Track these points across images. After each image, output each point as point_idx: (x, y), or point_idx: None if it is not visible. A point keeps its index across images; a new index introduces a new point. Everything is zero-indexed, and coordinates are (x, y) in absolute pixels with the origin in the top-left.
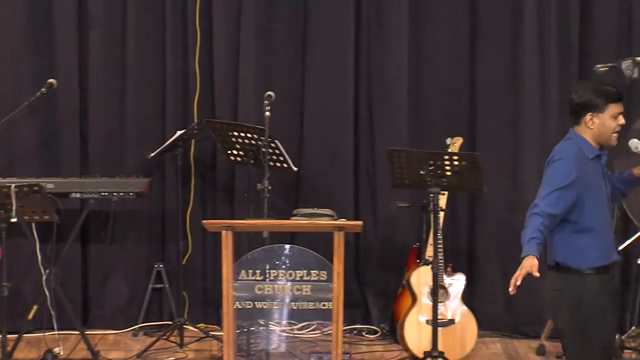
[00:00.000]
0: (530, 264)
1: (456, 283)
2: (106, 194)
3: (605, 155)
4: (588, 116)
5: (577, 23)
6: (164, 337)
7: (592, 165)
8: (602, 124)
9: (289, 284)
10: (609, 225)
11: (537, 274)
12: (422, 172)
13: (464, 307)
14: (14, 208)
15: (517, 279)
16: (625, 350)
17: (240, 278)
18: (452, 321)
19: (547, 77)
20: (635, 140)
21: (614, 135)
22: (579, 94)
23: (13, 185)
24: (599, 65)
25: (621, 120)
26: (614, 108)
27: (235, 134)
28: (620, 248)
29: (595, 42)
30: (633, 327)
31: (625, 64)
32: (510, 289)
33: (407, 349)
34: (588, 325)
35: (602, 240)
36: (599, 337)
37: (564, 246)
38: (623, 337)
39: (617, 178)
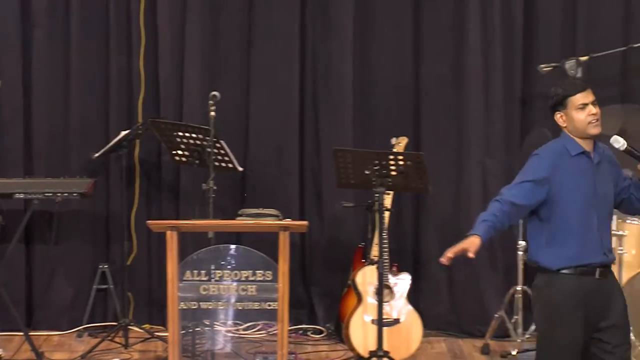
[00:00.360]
0: (470, 242)
1: (401, 283)
2: (50, 194)
3: (601, 155)
4: (557, 116)
5: (521, 22)
6: (109, 338)
7: (575, 162)
8: (570, 118)
9: (235, 284)
10: (591, 225)
11: (472, 255)
12: (367, 172)
13: (409, 307)
14: None
15: (452, 251)
16: None
17: (185, 278)
18: (397, 321)
19: (491, 77)
20: (616, 136)
21: (590, 124)
22: (550, 97)
23: None
24: (542, 65)
25: (591, 109)
26: (575, 100)
27: (180, 134)
28: None
29: (539, 42)
30: None
31: (569, 64)
32: (442, 259)
33: (352, 349)
34: (552, 326)
35: (576, 240)
36: (563, 339)
37: (535, 244)
38: None
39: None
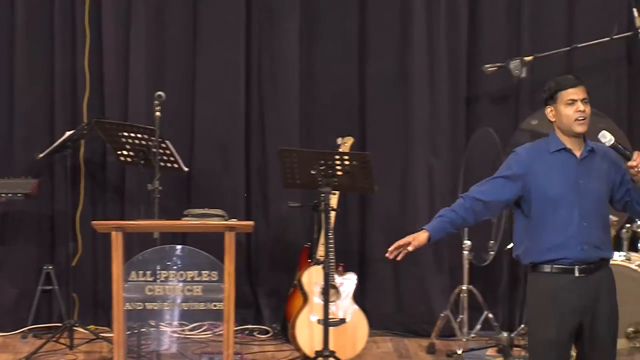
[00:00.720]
0: (414, 236)
1: (347, 282)
2: None
3: (593, 152)
4: (547, 110)
5: (466, 23)
6: (54, 339)
7: (554, 158)
8: (558, 113)
9: (180, 284)
10: (571, 221)
11: (411, 248)
12: (313, 172)
13: (355, 307)
14: None
15: (395, 244)
16: (515, 348)
17: (130, 279)
18: (343, 320)
19: (437, 77)
20: (604, 131)
21: (576, 121)
22: (543, 91)
23: None
24: (487, 65)
25: (579, 106)
26: (565, 95)
27: (125, 134)
28: (508, 246)
29: (484, 42)
30: (522, 325)
31: (514, 64)
32: (387, 254)
33: (298, 349)
34: (532, 321)
35: (553, 235)
36: (539, 335)
37: (517, 239)
38: (512, 334)
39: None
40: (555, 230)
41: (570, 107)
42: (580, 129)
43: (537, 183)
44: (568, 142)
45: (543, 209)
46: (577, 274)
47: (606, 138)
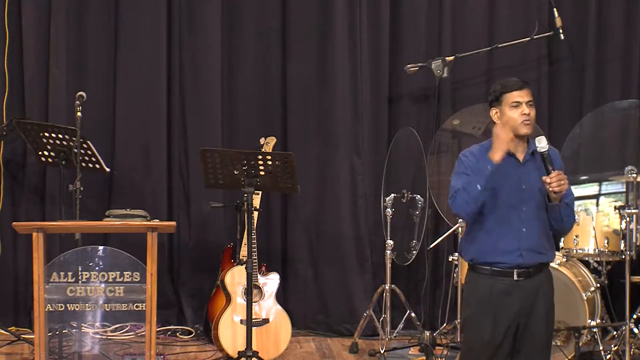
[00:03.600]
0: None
1: (270, 282)
2: None
3: (529, 155)
4: (492, 112)
5: (387, 23)
6: None
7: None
8: (502, 115)
9: (102, 285)
10: (510, 226)
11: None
12: (236, 172)
13: (278, 307)
14: None
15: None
16: (437, 347)
17: (52, 280)
18: (266, 320)
19: (358, 76)
20: (542, 137)
21: (522, 123)
22: (489, 94)
23: None
24: (409, 65)
25: (524, 109)
26: (510, 97)
27: (46, 134)
28: (431, 246)
29: (406, 42)
30: (444, 324)
31: (435, 64)
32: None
33: (221, 349)
34: (468, 320)
35: (491, 238)
36: (474, 335)
37: (463, 237)
38: (435, 333)
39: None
40: (496, 235)
41: (515, 110)
42: (525, 130)
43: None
44: (511, 145)
45: (485, 212)
46: (515, 278)
47: (541, 144)
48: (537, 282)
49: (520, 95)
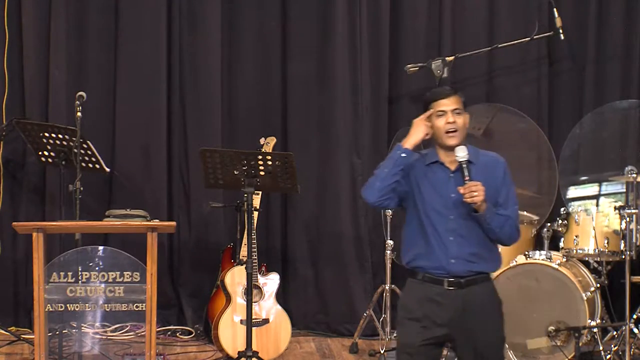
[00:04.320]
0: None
1: (270, 282)
2: None
3: (462, 158)
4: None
5: (387, 23)
6: None
7: (428, 170)
8: (432, 124)
9: (102, 285)
10: (440, 234)
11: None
12: (236, 172)
13: (278, 307)
14: None
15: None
16: None
17: (52, 280)
18: (266, 321)
19: (359, 77)
20: (462, 147)
21: (446, 134)
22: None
23: None
24: (409, 65)
25: (449, 117)
26: (436, 106)
27: (46, 134)
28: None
29: (406, 42)
30: None
31: (435, 64)
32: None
33: (221, 349)
34: (398, 323)
35: (422, 246)
36: (401, 339)
37: (401, 242)
38: None
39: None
40: (427, 240)
41: (440, 119)
42: (451, 141)
43: (414, 193)
44: (443, 154)
45: (414, 219)
46: (446, 286)
47: (459, 154)
48: (470, 294)
49: (447, 104)
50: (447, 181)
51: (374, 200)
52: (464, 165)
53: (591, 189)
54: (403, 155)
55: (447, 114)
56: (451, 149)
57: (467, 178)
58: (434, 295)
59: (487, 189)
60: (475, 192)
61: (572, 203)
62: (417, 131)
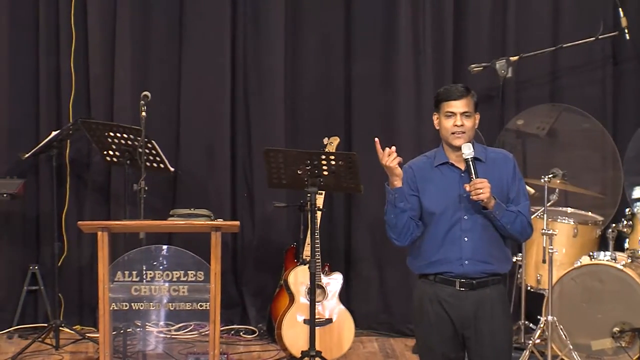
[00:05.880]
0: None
1: (333, 282)
2: None
3: (468, 155)
4: (434, 117)
5: (451, 22)
6: (39, 339)
7: (438, 173)
8: (439, 123)
9: (166, 284)
10: (454, 237)
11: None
12: (299, 172)
13: (341, 307)
14: None
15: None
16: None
17: (116, 279)
18: (329, 320)
19: (422, 77)
20: (468, 144)
21: (452, 135)
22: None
23: None
24: (473, 65)
25: (457, 120)
26: (445, 106)
27: (111, 134)
28: None
29: (470, 42)
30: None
31: (499, 64)
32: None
33: (284, 349)
34: (415, 324)
35: (436, 249)
36: (421, 340)
37: (410, 248)
38: None
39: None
40: (437, 246)
41: (449, 120)
42: (456, 142)
43: (426, 198)
44: (452, 155)
45: (430, 223)
46: (458, 287)
47: (465, 151)
48: (482, 296)
49: (457, 106)
50: (459, 181)
51: (407, 243)
52: (470, 163)
53: None
54: (397, 195)
55: (456, 117)
56: (458, 148)
57: (472, 176)
58: (445, 296)
59: (496, 185)
60: (480, 189)
61: (637, 203)
62: (391, 172)
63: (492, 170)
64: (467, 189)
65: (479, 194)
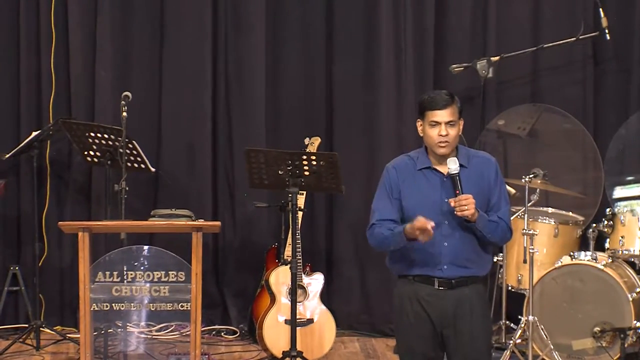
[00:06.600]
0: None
1: (315, 282)
2: None
3: (454, 170)
4: (418, 123)
5: (432, 23)
6: (20, 340)
7: (420, 176)
8: (423, 131)
9: (147, 285)
10: (434, 242)
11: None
12: (280, 172)
13: (323, 307)
14: None
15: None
16: None
17: (97, 280)
18: (310, 321)
19: (403, 77)
20: (454, 159)
21: (437, 144)
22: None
23: None
24: (454, 66)
25: (441, 130)
26: (430, 115)
27: (92, 134)
28: None
29: (451, 42)
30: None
31: (480, 64)
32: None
33: (266, 349)
34: (395, 324)
35: (415, 252)
36: (398, 343)
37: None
38: None
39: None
40: (416, 250)
41: (434, 129)
42: (441, 151)
43: (407, 200)
44: (435, 159)
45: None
46: (436, 286)
47: (451, 166)
48: (461, 295)
49: (441, 116)
50: (441, 186)
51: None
52: (455, 179)
53: (637, 189)
54: (408, 245)
55: (441, 126)
56: (440, 156)
57: (457, 192)
58: (425, 295)
59: (478, 189)
60: (465, 205)
61: (618, 203)
62: (425, 236)
63: (474, 174)
64: (452, 204)
65: (464, 210)
